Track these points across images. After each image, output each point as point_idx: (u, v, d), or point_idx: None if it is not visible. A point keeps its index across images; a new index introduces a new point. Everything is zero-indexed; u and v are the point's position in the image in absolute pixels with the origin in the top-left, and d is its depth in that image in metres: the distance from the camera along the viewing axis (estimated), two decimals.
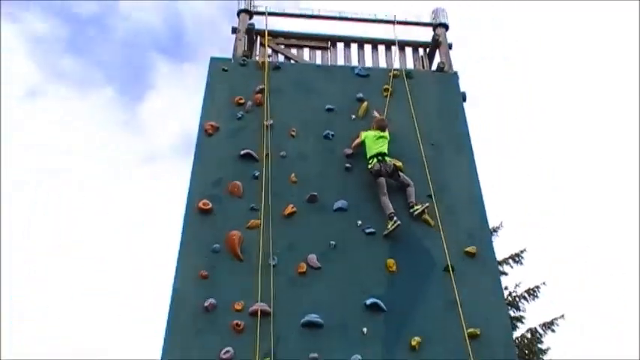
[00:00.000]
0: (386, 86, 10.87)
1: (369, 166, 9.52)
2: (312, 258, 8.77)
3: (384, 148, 9.65)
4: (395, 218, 9.02)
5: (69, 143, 34.73)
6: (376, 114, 10.30)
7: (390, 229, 9.00)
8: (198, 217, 9.05)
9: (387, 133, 9.85)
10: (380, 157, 9.54)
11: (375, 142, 9.69)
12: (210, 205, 9.13)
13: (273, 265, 8.59)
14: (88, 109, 36.22)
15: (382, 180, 9.40)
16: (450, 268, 8.76)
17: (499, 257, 13.07)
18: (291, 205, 9.24)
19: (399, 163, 9.64)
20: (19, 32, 34.26)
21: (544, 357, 18.87)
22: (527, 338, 18.88)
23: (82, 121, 35.44)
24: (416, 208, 9.26)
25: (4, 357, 17.73)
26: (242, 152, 9.72)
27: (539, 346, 18.99)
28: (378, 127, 9.89)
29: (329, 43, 11.87)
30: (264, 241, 8.77)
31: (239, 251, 8.73)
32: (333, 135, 10.13)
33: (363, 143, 9.80)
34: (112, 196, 33.33)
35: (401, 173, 9.56)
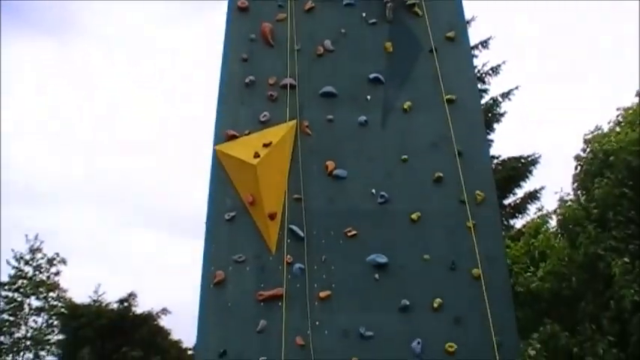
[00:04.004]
0: None
1: None
2: (327, 43, 8.41)
3: None
4: (389, 4, 8.62)
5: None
6: None
7: (388, 13, 8.59)
8: (239, 13, 8.55)
9: None
10: None
11: None
12: (247, 4, 8.57)
13: (298, 50, 8.28)
14: None
15: None
16: (434, 50, 8.34)
17: (471, 43, 12.60)
18: (310, 1, 8.66)
19: None
20: None
21: (501, 119, 18.91)
22: (489, 104, 18.75)
23: None
24: None
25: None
26: None
27: (498, 110, 18.95)
28: None
29: None
30: (291, 30, 8.37)
31: (270, 39, 8.35)
32: None
33: None
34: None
35: None
